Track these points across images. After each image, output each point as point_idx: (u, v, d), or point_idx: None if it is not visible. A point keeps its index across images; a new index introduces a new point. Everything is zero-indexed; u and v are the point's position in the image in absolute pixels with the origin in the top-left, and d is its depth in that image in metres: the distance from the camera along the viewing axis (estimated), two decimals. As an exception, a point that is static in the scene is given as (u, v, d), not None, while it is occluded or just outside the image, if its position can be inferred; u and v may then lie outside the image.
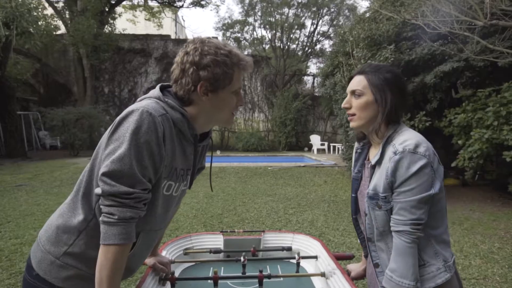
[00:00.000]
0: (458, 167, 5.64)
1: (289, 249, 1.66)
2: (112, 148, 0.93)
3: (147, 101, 1.00)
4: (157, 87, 1.09)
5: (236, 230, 1.74)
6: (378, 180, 1.11)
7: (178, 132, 1.03)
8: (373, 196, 1.12)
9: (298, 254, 1.48)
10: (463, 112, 5.69)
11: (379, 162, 1.13)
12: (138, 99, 1.09)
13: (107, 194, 0.92)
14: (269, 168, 9.46)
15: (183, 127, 1.03)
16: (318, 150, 14.49)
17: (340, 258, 1.50)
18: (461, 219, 4.87)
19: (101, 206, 0.95)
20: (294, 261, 1.50)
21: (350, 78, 1.23)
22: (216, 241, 1.70)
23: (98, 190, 0.95)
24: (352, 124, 1.20)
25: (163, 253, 1.52)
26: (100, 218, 0.94)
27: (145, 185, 0.96)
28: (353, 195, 1.31)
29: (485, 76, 6.97)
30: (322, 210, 5.32)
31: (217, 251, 1.63)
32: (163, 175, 1.01)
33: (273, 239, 1.72)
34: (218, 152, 13.59)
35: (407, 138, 1.07)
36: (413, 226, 1.05)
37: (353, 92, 1.19)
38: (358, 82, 1.18)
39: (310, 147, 15.51)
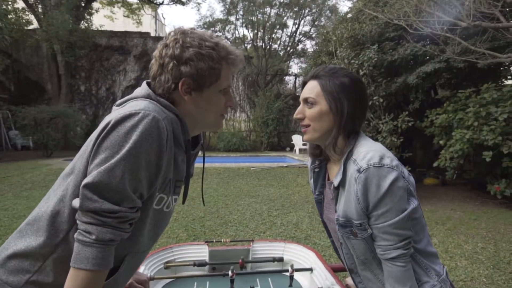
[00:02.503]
0: (438, 167, 5.70)
1: (280, 259, 1.53)
2: (102, 158, 0.77)
3: (143, 102, 0.84)
4: (144, 84, 0.94)
5: (222, 240, 1.60)
6: (347, 205, 0.96)
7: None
8: (345, 224, 0.98)
9: (292, 266, 1.35)
10: (444, 112, 5.75)
11: (342, 182, 0.98)
12: (122, 101, 0.91)
13: (86, 210, 0.76)
14: (251, 168, 9.33)
15: (177, 130, 0.88)
16: (300, 150, 14.48)
17: (338, 270, 1.39)
18: (443, 219, 4.90)
19: (77, 221, 0.78)
20: (287, 274, 1.37)
21: (304, 84, 1.08)
22: (201, 252, 1.55)
23: (75, 203, 0.78)
24: (306, 137, 1.04)
25: (141, 269, 1.35)
26: (75, 235, 0.77)
27: (134, 202, 0.80)
28: (321, 219, 1.17)
29: (462, 78, 7.13)
30: (307, 212, 5.24)
31: (201, 264, 1.48)
32: (157, 187, 0.86)
33: (263, 249, 1.59)
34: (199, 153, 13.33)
35: (368, 150, 0.93)
36: (405, 246, 0.92)
37: (305, 101, 1.03)
38: (311, 89, 1.03)
39: (292, 147, 15.49)
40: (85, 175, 0.81)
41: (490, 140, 4.88)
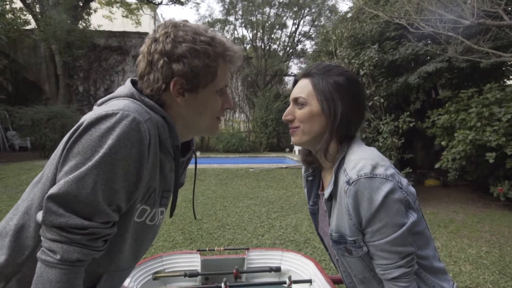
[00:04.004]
0: (439, 168, 5.61)
1: (277, 269, 1.43)
2: (72, 165, 0.67)
3: (123, 102, 0.73)
4: (128, 82, 0.83)
5: (215, 248, 1.50)
6: (340, 219, 0.86)
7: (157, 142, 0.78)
8: (339, 240, 0.88)
9: (290, 278, 1.25)
10: (446, 113, 5.66)
11: (334, 194, 0.88)
12: (103, 100, 0.81)
13: (51, 226, 0.66)
14: (250, 169, 9.24)
15: (164, 135, 0.78)
16: (300, 151, 14.38)
17: (338, 282, 1.29)
18: (445, 222, 4.80)
19: (41, 237, 0.68)
20: (285, 286, 1.27)
21: (295, 82, 0.97)
22: (192, 262, 1.46)
23: (39, 217, 0.68)
24: (294, 140, 0.94)
25: (127, 281, 1.25)
26: (38, 253, 0.67)
27: (108, 216, 0.69)
28: (317, 231, 1.06)
29: (463, 78, 7.04)
30: (306, 214, 5.14)
31: (193, 274, 1.38)
32: (138, 198, 0.76)
33: (259, 258, 1.49)
34: (198, 153, 13.25)
35: (359, 158, 0.83)
36: (408, 264, 0.82)
37: (295, 101, 0.93)
38: (302, 88, 0.93)
39: (291, 148, 15.38)
40: (53, 183, 0.71)
41: (494, 141, 4.78)
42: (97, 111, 0.72)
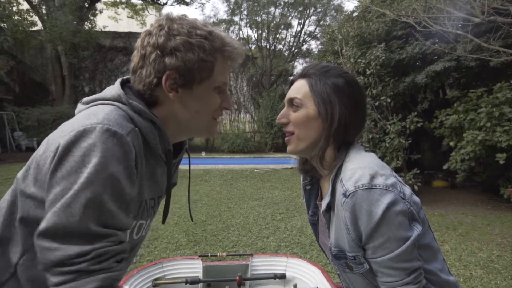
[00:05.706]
0: (447, 169, 5.50)
1: (282, 276, 1.37)
2: (58, 192, 0.60)
3: (104, 110, 0.67)
4: (117, 83, 0.77)
5: (218, 254, 1.44)
6: (338, 233, 0.80)
7: (146, 148, 0.73)
8: (339, 255, 0.82)
9: (295, 286, 1.19)
10: (454, 113, 5.55)
11: (332, 205, 0.82)
12: (89, 99, 0.75)
13: (52, 266, 0.58)
14: (255, 170, 9.18)
15: (154, 141, 0.72)
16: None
17: (346, 291, 1.22)
18: (454, 224, 4.70)
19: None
20: (289, 294, 1.21)
21: (292, 83, 0.91)
22: (194, 268, 1.40)
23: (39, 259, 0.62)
24: (289, 148, 0.87)
25: (125, 289, 1.21)
26: None
27: (111, 235, 0.62)
28: (317, 243, 1.00)
29: (472, 77, 6.91)
30: (312, 216, 5.07)
31: (194, 281, 1.33)
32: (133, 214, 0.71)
33: (263, 264, 1.43)
34: (203, 154, 13.25)
35: (356, 167, 0.76)
36: (415, 280, 0.75)
37: (290, 102, 0.87)
38: (298, 88, 0.87)
39: (296, 148, 15.32)
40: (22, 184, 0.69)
41: (504, 142, 4.67)
42: (74, 124, 0.65)
